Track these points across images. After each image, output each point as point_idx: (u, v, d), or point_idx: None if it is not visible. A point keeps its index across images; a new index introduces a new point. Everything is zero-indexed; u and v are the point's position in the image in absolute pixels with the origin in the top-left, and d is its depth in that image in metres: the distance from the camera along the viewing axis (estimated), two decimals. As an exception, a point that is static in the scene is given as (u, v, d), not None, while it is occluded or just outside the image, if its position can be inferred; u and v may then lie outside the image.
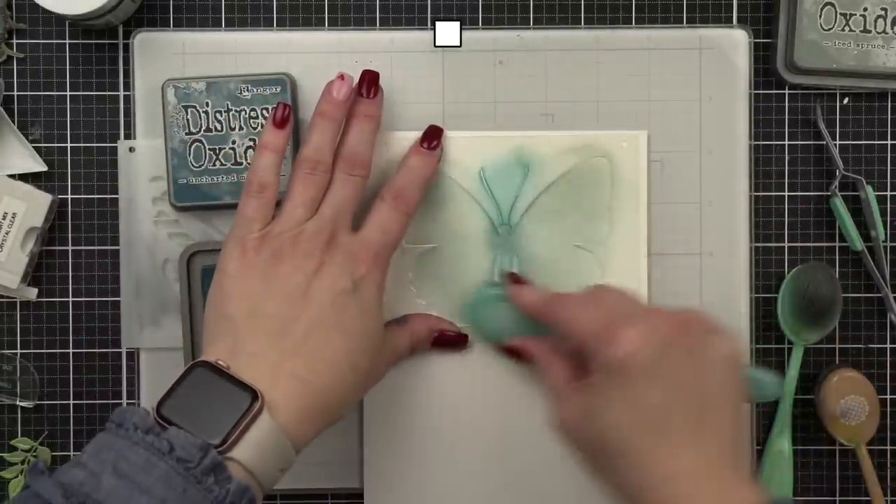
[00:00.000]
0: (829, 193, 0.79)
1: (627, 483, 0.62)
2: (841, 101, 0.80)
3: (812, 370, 0.80)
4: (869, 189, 0.79)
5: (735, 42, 0.79)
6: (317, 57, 0.78)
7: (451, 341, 0.77)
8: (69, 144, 0.79)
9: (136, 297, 0.78)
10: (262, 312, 0.66)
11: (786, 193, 0.80)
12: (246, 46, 0.78)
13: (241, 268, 0.67)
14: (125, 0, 0.75)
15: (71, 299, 0.79)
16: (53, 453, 0.79)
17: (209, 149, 0.76)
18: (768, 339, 0.80)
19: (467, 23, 0.79)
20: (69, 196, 0.79)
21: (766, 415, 0.80)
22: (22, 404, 0.79)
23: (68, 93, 0.79)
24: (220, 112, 0.76)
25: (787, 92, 0.80)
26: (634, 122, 0.78)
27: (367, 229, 0.70)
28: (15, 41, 0.79)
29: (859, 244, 0.79)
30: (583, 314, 0.66)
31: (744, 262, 0.79)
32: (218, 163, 0.76)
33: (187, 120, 0.76)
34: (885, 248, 0.79)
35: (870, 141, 0.80)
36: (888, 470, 0.80)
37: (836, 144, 0.79)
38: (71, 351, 0.79)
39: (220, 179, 0.76)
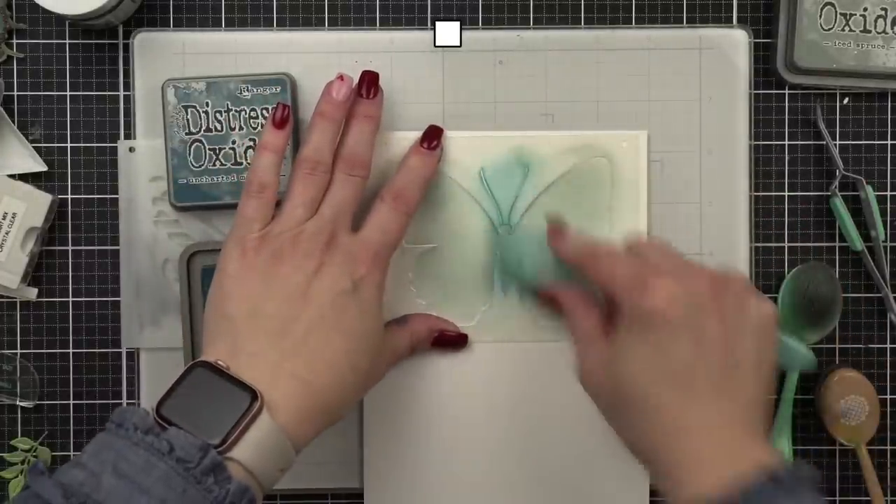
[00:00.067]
0: (829, 193, 0.79)
1: (644, 434, 0.62)
2: (841, 101, 0.80)
3: (812, 370, 0.80)
4: (869, 189, 0.79)
5: (735, 42, 0.79)
6: (317, 57, 0.78)
7: (451, 341, 0.77)
8: (69, 144, 0.79)
9: (136, 297, 0.78)
10: (262, 313, 0.66)
11: (786, 193, 0.80)
12: (246, 46, 0.78)
13: (241, 268, 0.67)
14: (125, 0, 0.75)
15: (71, 299, 0.79)
16: (53, 453, 0.79)
17: (209, 149, 0.76)
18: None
19: (467, 23, 0.79)
20: (69, 196, 0.79)
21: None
22: (22, 404, 0.79)
23: (68, 93, 0.79)
24: (220, 112, 0.76)
25: (787, 92, 0.80)
26: (634, 122, 0.78)
27: (367, 229, 0.70)
28: (15, 41, 0.79)
29: (859, 244, 0.79)
30: (619, 263, 0.65)
31: (744, 262, 0.79)
32: (218, 163, 0.76)
33: (187, 120, 0.76)
34: (885, 248, 0.79)
35: (870, 141, 0.80)
36: (888, 470, 0.80)
37: (836, 144, 0.79)
38: (71, 351, 0.79)
39: (220, 179, 0.76)
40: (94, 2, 0.73)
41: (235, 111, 0.76)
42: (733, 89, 0.79)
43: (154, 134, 0.78)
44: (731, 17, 0.80)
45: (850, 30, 0.78)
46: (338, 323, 0.66)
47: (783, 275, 0.79)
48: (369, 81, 0.73)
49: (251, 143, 0.76)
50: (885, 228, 0.79)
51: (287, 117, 0.71)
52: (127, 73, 0.79)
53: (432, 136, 0.75)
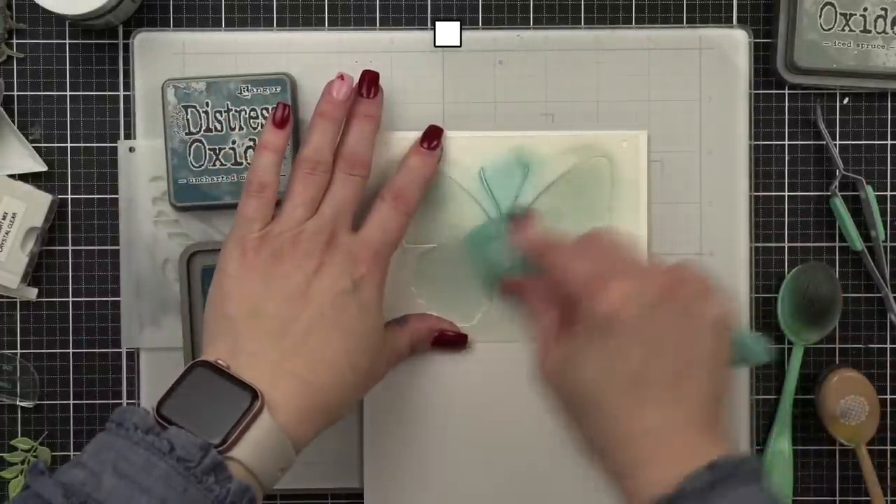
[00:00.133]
0: (829, 193, 0.79)
1: (599, 437, 0.62)
2: (841, 101, 0.80)
3: (812, 370, 0.80)
4: (869, 189, 0.79)
5: (735, 42, 0.79)
6: (317, 57, 0.78)
7: (451, 341, 0.77)
8: (69, 144, 0.79)
9: (136, 297, 0.78)
10: (262, 312, 0.66)
11: (786, 193, 0.80)
12: (246, 46, 0.78)
13: (241, 268, 0.67)
14: (125, 0, 0.75)
15: (71, 299, 0.79)
16: (53, 453, 0.79)
17: (209, 149, 0.76)
18: (768, 340, 0.80)
19: (467, 23, 0.79)
20: (69, 196, 0.79)
21: (766, 415, 0.80)
22: (22, 404, 0.79)
23: (68, 93, 0.79)
24: (220, 112, 0.76)
25: (787, 92, 0.80)
26: (634, 122, 0.78)
27: (367, 229, 0.70)
28: (15, 41, 0.79)
29: (859, 244, 0.79)
30: (574, 263, 0.64)
31: (744, 262, 0.79)
32: (218, 163, 0.76)
33: (187, 120, 0.76)
34: (885, 248, 0.79)
35: (870, 141, 0.80)
36: (888, 470, 0.80)
37: (836, 144, 0.79)
38: (71, 351, 0.79)
39: (220, 179, 0.76)
40: (94, 2, 0.73)
41: (235, 111, 0.76)
42: (733, 89, 0.79)
43: (154, 134, 0.78)
44: (731, 17, 0.80)
45: (850, 30, 0.78)
46: (338, 322, 0.66)
47: (783, 275, 0.79)
48: (370, 81, 0.73)
49: (251, 143, 0.76)
50: (885, 228, 0.79)
51: (287, 117, 0.72)
52: (127, 73, 0.79)
53: (432, 136, 0.75)
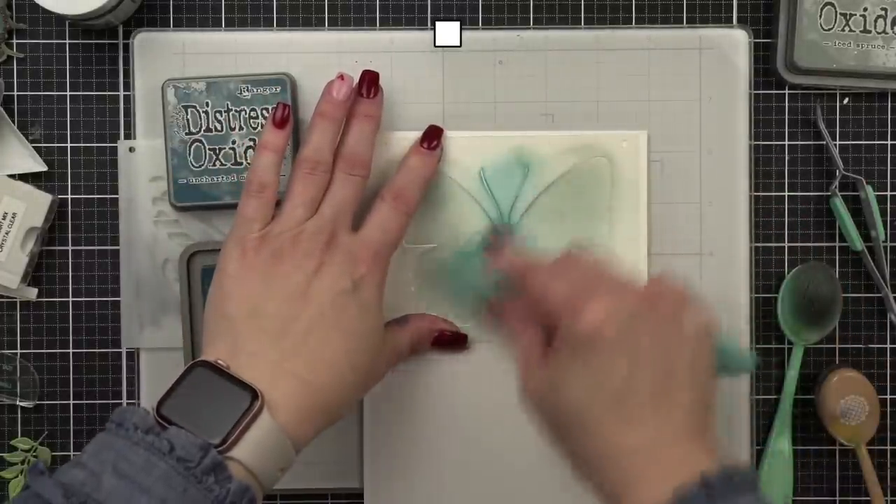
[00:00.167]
0: (829, 193, 0.79)
1: (587, 455, 0.62)
2: (841, 101, 0.80)
3: (812, 370, 0.80)
4: (869, 189, 0.79)
5: (735, 42, 0.79)
6: (317, 57, 0.78)
7: (450, 341, 0.77)
8: (69, 144, 0.79)
9: (136, 297, 0.78)
10: (262, 312, 0.66)
11: (786, 193, 0.80)
12: (246, 46, 0.78)
13: (240, 268, 0.67)
14: (125, 0, 0.75)
15: (71, 299, 0.79)
16: (53, 453, 0.79)
17: (209, 149, 0.76)
18: (768, 339, 0.80)
19: (467, 23, 0.79)
20: (69, 196, 0.79)
21: (765, 415, 0.80)
22: (22, 404, 0.79)
23: (68, 93, 0.79)
24: (220, 112, 0.76)
25: (787, 92, 0.80)
26: (634, 122, 0.78)
27: (367, 229, 0.70)
28: (15, 41, 0.79)
29: (859, 244, 0.79)
30: (552, 284, 0.65)
31: (744, 262, 0.79)
32: (218, 163, 0.76)
33: (187, 120, 0.76)
34: (885, 248, 0.79)
35: (870, 141, 0.80)
36: (888, 470, 0.80)
37: (836, 144, 0.79)
38: (71, 351, 0.79)
39: (220, 179, 0.76)
40: (94, 2, 0.73)
41: (235, 111, 0.76)
42: (733, 89, 0.79)
43: (154, 134, 0.78)
44: (731, 17, 0.80)
45: (850, 30, 0.78)
46: (338, 322, 0.66)
47: (783, 275, 0.79)
48: (369, 81, 0.73)
49: (251, 143, 0.76)
50: (885, 228, 0.79)
51: (287, 117, 0.72)
52: (127, 73, 0.79)
53: (432, 136, 0.75)
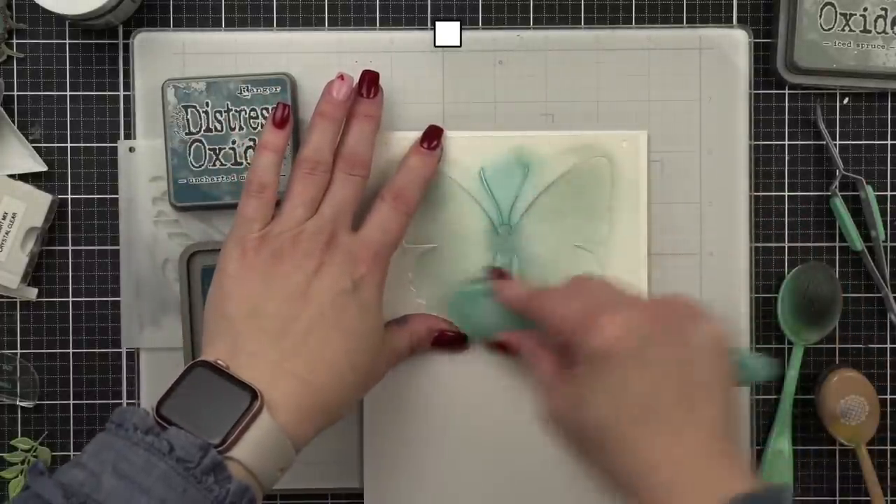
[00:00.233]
0: (829, 193, 0.79)
1: (615, 471, 0.61)
2: (841, 101, 0.80)
3: (812, 370, 0.80)
4: (869, 189, 0.79)
5: (735, 42, 0.79)
6: (317, 57, 0.78)
7: (450, 341, 0.77)
8: (69, 144, 0.79)
9: (136, 297, 0.78)
10: (262, 312, 0.66)
11: (786, 193, 0.80)
12: (246, 46, 0.78)
13: (240, 268, 0.67)
14: (125, 0, 0.75)
15: (71, 299, 0.79)
16: (53, 453, 0.79)
17: (209, 149, 0.76)
18: (768, 339, 0.80)
19: (467, 23, 0.79)
20: (69, 196, 0.79)
21: (765, 415, 0.80)
22: (22, 404, 0.79)
23: (68, 93, 0.79)
24: (220, 112, 0.76)
25: (787, 92, 0.80)
26: (634, 122, 0.78)
27: (367, 229, 0.70)
28: (15, 41, 0.79)
29: (859, 244, 0.79)
30: (563, 306, 0.65)
31: (744, 262, 0.78)
32: (218, 163, 0.76)
33: (187, 120, 0.76)
34: (885, 248, 0.79)
35: (870, 141, 0.80)
36: (888, 470, 0.80)
37: (836, 144, 0.79)
38: (71, 351, 0.79)
39: (220, 179, 0.76)
40: (94, 2, 0.73)
41: (235, 111, 0.76)
42: (733, 89, 0.79)
43: (154, 134, 0.78)
44: (731, 17, 0.80)
45: (850, 30, 0.78)
46: (338, 322, 0.66)
47: (783, 275, 0.79)
48: (369, 81, 0.73)
49: (251, 143, 0.76)
50: (885, 228, 0.79)
51: (287, 117, 0.71)
52: (127, 73, 0.79)
53: (432, 136, 0.75)
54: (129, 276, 0.78)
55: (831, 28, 0.78)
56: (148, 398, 0.78)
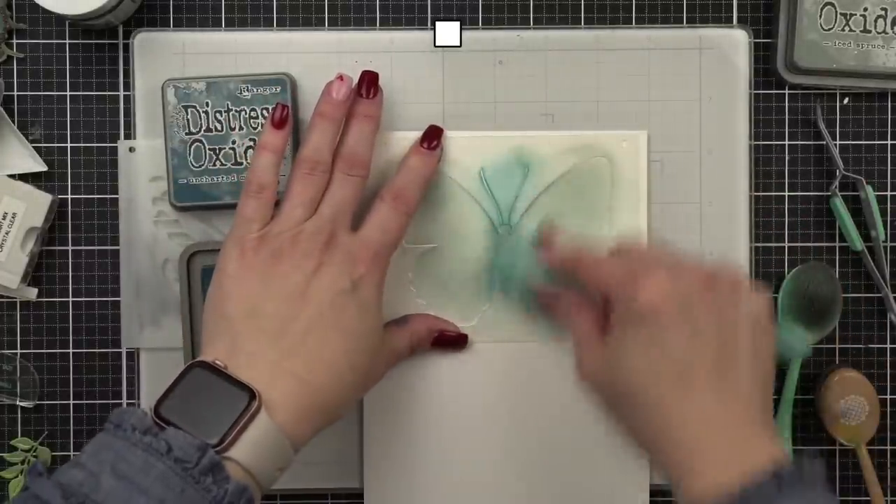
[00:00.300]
0: (829, 193, 0.79)
1: (645, 429, 0.62)
2: (841, 101, 0.80)
3: (812, 370, 0.80)
4: (869, 189, 0.79)
5: (735, 42, 0.79)
6: (317, 57, 0.78)
7: (451, 341, 0.77)
8: (69, 144, 0.79)
9: (136, 297, 0.78)
10: (261, 312, 0.66)
11: (786, 193, 0.80)
12: (246, 46, 0.78)
13: (240, 268, 0.67)
14: (125, 0, 0.75)
15: (71, 299, 0.79)
16: (53, 453, 0.79)
17: (209, 149, 0.76)
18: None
19: (467, 23, 0.79)
20: (69, 196, 0.79)
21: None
22: (22, 404, 0.79)
23: (68, 93, 0.79)
24: (220, 112, 0.76)
25: (787, 92, 0.80)
26: (634, 122, 0.78)
27: (367, 229, 0.70)
28: (15, 41, 0.79)
29: (859, 244, 0.79)
30: (609, 263, 0.66)
31: (744, 262, 0.78)
32: (218, 163, 0.76)
33: (187, 120, 0.76)
34: (885, 248, 0.79)
35: (870, 141, 0.80)
36: (888, 470, 0.80)
37: (836, 144, 0.79)
38: (71, 351, 0.79)
39: (220, 179, 0.76)
40: (94, 2, 0.73)
41: (235, 111, 0.76)
42: (733, 89, 0.79)
43: (154, 134, 0.78)
44: (731, 17, 0.80)
45: (850, 30, 0.78)
46: (337, 322, 0.66)
47: (783, 275, 0.79)
48: (369, 81, 0.73)
49: (251, 143, 0.76)
50: (885, 228, 0.79)
51: (286, 117, 0.72)
52: (127, 73, 0.79)
53: (432, 136, 0.75)
54: (129, 276, 0.78)
55: (831, 28, 0.78)
56: (148, 398, 0.78)
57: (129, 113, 0.79)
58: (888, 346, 0.80)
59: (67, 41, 0.79)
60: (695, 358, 0.61)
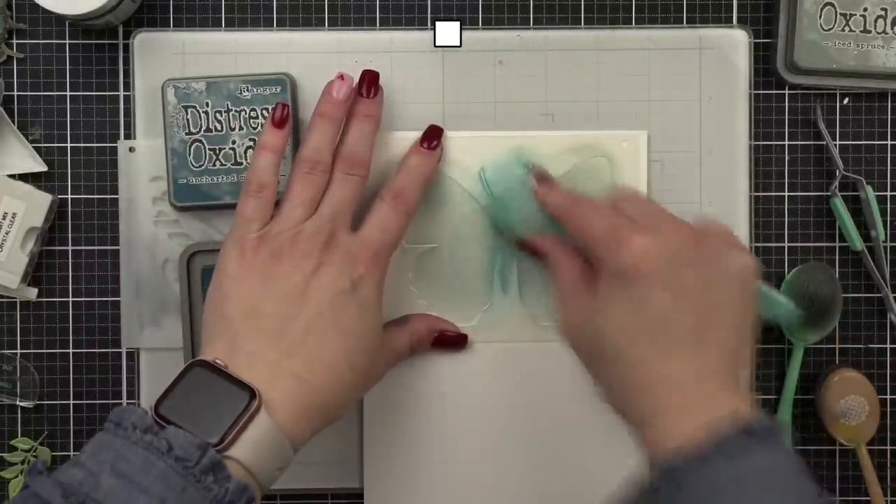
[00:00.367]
0: (829, 193, 0.79)
1: (621, 386, 0.62)
2: (841, 101, 0.80)
3: (812, 370, 0.80)
4: (869, 189, 0.79)
5: (735, 42, 0.79)
6: (317, 57, 0.78)
7: (451, 341, 0.77)
8: (69, 144, 0.79)
9: (136, 297, 0.78)
10: (261, 312, 0.66)
11: (786, 193, 0.80)
12: (246, 46, 0.78)
13: (239, 268, 0.67)
14: (125, 0, 0.75)
15: (71, 299, 0.79)
16: (53, 453, 0.79)
17: (209, 149, 0.76)
18: (768, 339, 0.80)
19: (467, 23, 0.79)
20: (69, 196, 0.79)
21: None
22: (22, 404, 0.79)
23: (68, 93, 0.79)
24: (220, 112, 0.76)
25: (787, 92, 0.80)
26: (634, 122, 0.78)
27: (367, 229, 0.70)
28: (15, 41, 0.79)
29: (859, 244, 0.79)
30: (597, 217, 0.65)
31: (744, 262, 0.78)
32: (218, 163, 0.76)
33: (187, 120, 0.76)
34: (885, 248, 0.79)
35: (870, 141, 0.80)
36: (888, 470, 0.80)
37: (836, 144, 0.79)
38: (71, 351, 0.79)
39: (220, 179, 0.76)
40: (94, 2, 0.73)
41: (235, 111, 0.76)
42: (733, 89, 0.79)
43: (154, 134, 0.78)
44: (731, 17, 0.80)
45: (850, 30, 0.78)
46: (336, 322, 0.66)
47: (783, 275, 0.79)
48: (369, 81, 0.73)
49: (251, 143, 0.76)
50: (885, 228, 0.79)
51: (286, 117, 0.72)
52: (127, 73, 0.79)
53: (432, 136, 0.75)
54: (129, 276, 0.78)
55: (831, 28, 0.78)
56: (148, 398, 0.78)
57: (129, 113, 0.79)
58: (888, 346, 0.80)
59: (67, 41, 0.79)
60: (675, 318, 0.61)
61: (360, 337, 0.68)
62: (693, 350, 0.61)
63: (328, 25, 0.79)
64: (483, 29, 0.79)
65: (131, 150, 0.78)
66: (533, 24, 0.80)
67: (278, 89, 0.76)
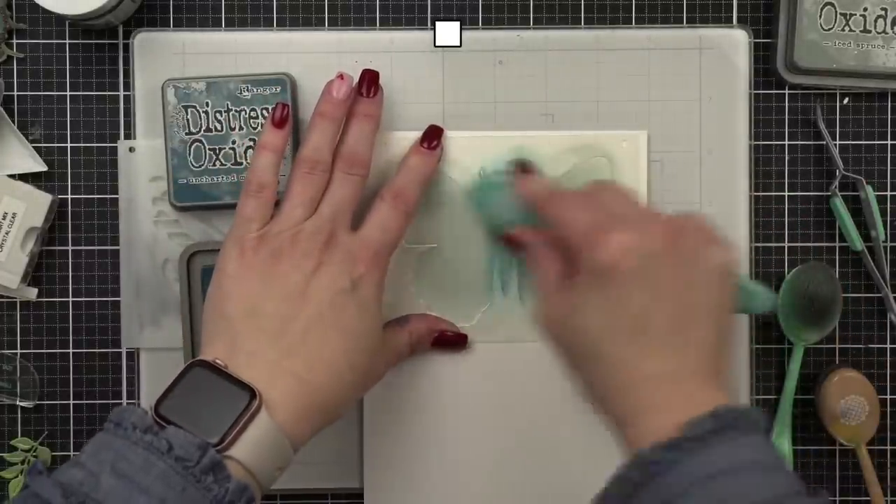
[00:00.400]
0: (829, 193, 0.79)
1: (599, 384, 0.62)
2: (841, 101, 0.80)
3: (812, 370, 0.80)
4: (869, 189, 0.79)
5: (735, 42, 0.79)
6: (317, 57, 0.78)
7: (451, 341, 0.77)
8: (69, 144, 0.79)
9: (136, 297, 0.78)
10: (261, 312, 0.66)
11: (786, 193, 0.80)
12: (246, 46, 0.78)
13: (239, 267, 0.67)
14: (125, 0, 0.75)
15: (71, 299, 0.79)
16: (53, 453, 0.79)
17: (209, 149, 0.76)
18: (768, 339, 0.80)
19: (467, 23, 0.79)
20: (69, 196, 0.79)
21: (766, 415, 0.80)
22: (22, 404, 0.79)
23: (68, 93, 0.79)
24: (220, 112, 0.76)
25: (787, 92, 0.80)
26: (634, 122, 0.78)
27: (367, 228, 0.70)
28: (15, 41, 0.79)
29: (859, 244, 0.79)
30: (576, 213, 0.65)
31: (744, 261, 0.78)
32: (218, 163, 0.76)
33: (187, 120, 0.76)
34: (885, 248, 0.79)
35: (870, 141, 0.80)
36: (888, 470, 0.80)
37: (836, 144, 0.79)
38: (71, 351, 0.79)
39: (220, 179, 0.76)
40: (94, 2, 0.73)
41: (235, 111, 0.76)
42: (733, 89, 0.79)
43: (154, 134, 0.78)
44: (731, 17, 0.80)
45: (850, 30, 0.78)
46: (336, 322, 0.66)
47: (783, 275, 0.79)
48: (369, 80, 0.73)
49: (251, 143, 0.76)
50: (885, 228, 0.79)
51: (286, 117, 0.72)
52: (127, 73, 0.79)
53: (432, 136, 0.75)
54: (129, 276, 0.78)
55: (831, 28, 0.78)
56: (148, 398, 0.78)
57: (129, 113, 0.79)
58: (888, 346, 0.80)
59: (67, 41, 0.79)
60: (653, 316, 0.61)
61: (361, 336, 0.68)
62: (672, 350, 0.60)
63: (328, 25, 0.79)
64: (483, 29, 0.79)
65: (131, 150, 0.78)
66: (533, 24, 0.80)
67: (278, 89, 0.76)
